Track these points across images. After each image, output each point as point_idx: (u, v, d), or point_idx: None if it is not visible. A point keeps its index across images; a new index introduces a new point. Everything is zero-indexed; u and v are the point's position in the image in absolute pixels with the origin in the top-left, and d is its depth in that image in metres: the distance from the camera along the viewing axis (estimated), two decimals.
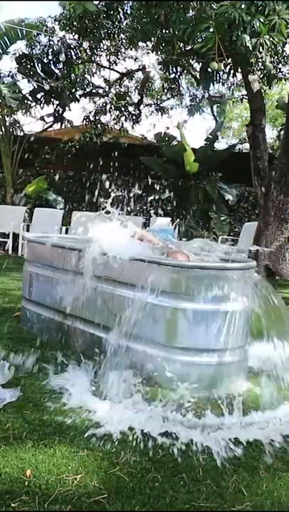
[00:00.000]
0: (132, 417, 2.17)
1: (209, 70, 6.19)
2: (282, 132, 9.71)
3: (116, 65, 11.59)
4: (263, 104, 8.52)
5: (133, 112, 11.34)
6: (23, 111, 10.36)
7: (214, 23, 5.39)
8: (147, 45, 9.85)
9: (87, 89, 10.71)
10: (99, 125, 10.89)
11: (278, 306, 2.73)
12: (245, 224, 9.87)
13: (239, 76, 9.20)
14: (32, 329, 3.45)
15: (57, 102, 9.99)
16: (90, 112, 11.05)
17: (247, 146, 12.42)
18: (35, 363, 2.59)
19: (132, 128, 12.10)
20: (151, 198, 10.27)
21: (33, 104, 9.97)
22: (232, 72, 6.94)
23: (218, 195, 9.04)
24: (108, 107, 10.46)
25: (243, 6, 5.20)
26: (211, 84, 8.31)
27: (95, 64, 11.42)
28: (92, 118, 10.84)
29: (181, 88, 12.24)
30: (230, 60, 6.02)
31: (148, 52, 10.23)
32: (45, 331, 3.31)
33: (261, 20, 5.19)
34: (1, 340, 3.17)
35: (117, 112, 10.83)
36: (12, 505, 1.52)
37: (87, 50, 10.51)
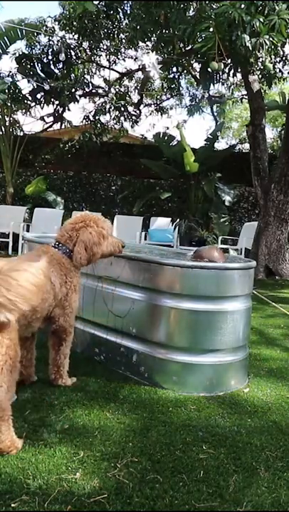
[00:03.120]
0: None
1: (209, 70, 6.19)
2: (282, 132, 9.72)
3: (116, 64, 11.60)
4: (263, 104, 8.52)
5: (133, 112, 11.34)
6: (23, 111, 10.37)
7: (214, 23, 5.39)
8: (147, 45, 9.86)
9: (87, 89, 10.70)
10: (99, 125, 10.90)
11: None
12: (245, 224, 9.88)
13: (239, 76, 9.22)
14: None
15: (57, 102, 9.99)
16: (89, 112, 11.05)
17: (247, 146, 12.44)
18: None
19: (132, 128, 12.11)
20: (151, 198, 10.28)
21: (33, 104, 9.97)
22: (232, 72, 6.94)
23: (216, 196, 9.04)
24: (108, 106, 10.45)
25: (242, 5, 5.21)
26: (211, 84, 8.33)
27: (94, 64, 11.42)
28: (92, 118, 10.84)
29: (180, 88, 12.25)
30: (230, 60, 6.02)
31: (148, 52, 10.23)
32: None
33: (261, 20, 5.19)
34: None
35: (117, 111, 10.83)
36: (12, 505, 1.52)
37: (87, 50, 10.51)
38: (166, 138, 9.52)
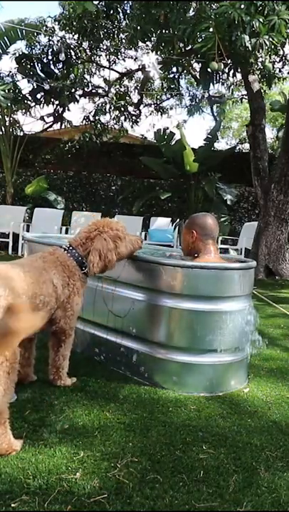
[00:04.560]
0: None
1: (209, 70, 6.20)
2: (281, 132, 9.71)
3: (116, 64, 11.61)
4: (263, 104, 8.53)
5: (133, 112, 11.35)
6: (23, 111, 10.38)
7: (214, 23, 5.39)
8: (147, 45, 9.87)
9: (87, 90, 10.71)
10: (99, 125, 10.91)
11: None
12: (245, 224, 9.88)
13: (239, 76, 9.22)
14: None
15: (57, 102, 10.00)
16: (89, 112, 11.07)
17: (247, 146, 12.45)
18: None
19: (132, 128, 12.12)
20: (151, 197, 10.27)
21: (33, 104, 9.98)
22: (232, 72, 6.95)
23: (217, 196, 9.03)
24: (108, 106, 10.46)
25: (242, 6, 5.21)
26: (211, 84, 8.33)
27: (94, 64, 11.43)
28: (92, 118, 10.85)
29: (180, 88, 12.26)
30: (230, 60, 6.03)
31: (148, 52, 10.24)
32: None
33: (261, 20, 5.20)
34: None
35: (117, 111, 10.84)
36: (12, 505, 1.52)
37: (87, 50, 10.52)
38: (166, 136, 9.49)
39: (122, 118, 11.25)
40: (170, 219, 9.75)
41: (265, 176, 8.20)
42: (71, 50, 9.71)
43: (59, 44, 9.43)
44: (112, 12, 8.68)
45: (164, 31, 7.02)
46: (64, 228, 9.22)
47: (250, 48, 5.25)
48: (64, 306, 2.39)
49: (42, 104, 9.90)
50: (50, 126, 11.23)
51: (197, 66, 9.42)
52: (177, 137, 9.54)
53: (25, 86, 13.73)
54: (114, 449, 1.91)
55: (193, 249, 2.87)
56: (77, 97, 10.10)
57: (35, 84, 9.51)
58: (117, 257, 2.49)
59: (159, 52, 8.40)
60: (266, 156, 8.32)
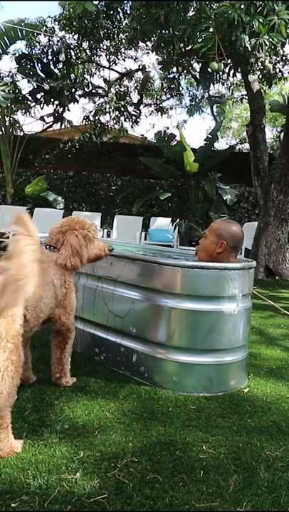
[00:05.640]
0: None
1: (209, 70, 6.20)
2: (282, 133, 9.72)
3: (116, 65, 11.60)
4: (263, 104, 8.53)
5: (133, 112, 11.35)
6: (23, 111, 10.38)
7: (214, 23, 5.40)
8: (147, 45, 9.87)
9: (87, 90, 10.71)
10: (99, 125, 10.91)
11: None
12: (245, 224, 9.88)
13: (239, 76, 9.23)
14: None
15: (57, 102, 10.00)
16: (89, 112, 11.07)
17: (247, 146, 12.45)
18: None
19: (132, 128, 12.13)
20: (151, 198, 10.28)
21: (33, 104, 9.98)
22: (232, 72, 6.95)
23: (217, 195, 9.04)
24: (108, 107, 10.46)
25: (242, 6, 5.21)
26: (211, 84, 8.34)
27: (94, 64, 11.43)
28: (92, 118, 10.85)
29: (180, 88, 12.27)
30: (230, 60, 6.03)
31: (148, 52, 10.24)
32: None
33: (260, 20, 5.20)
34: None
35: (117, 112, 10.84)
36: (12, 505, 1.52)
37: (87, 50, 10.52)
38: (166, 138, 9.51)
39: (122, 118, 11.24)
40: (170, 219, 9.75)
41: (265, 176, 8.21)
42: (71, 50, 9.70)
43: (59, 44, 9.42)
44: (112, 12, 8.67)
45: (164, 31, 7.02)
46: None
47: (249, 48, 5.25)
48: (63, 304, 2.42)
49: (42, 104, 9.89)
50: (50, 126, 11.23)
51: (197, 66, 9.43)
52: (177, 138, 9.56)
53: (25, 86, 13.75)
54: (114, 449, 1.91)
55: (216, 260, 2.74)
56: (77, 97, 10.09)
57: (35, 84, 9.50)
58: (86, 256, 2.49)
59: (159, 53, 8.40)
60: (266, 156, 8.32)
